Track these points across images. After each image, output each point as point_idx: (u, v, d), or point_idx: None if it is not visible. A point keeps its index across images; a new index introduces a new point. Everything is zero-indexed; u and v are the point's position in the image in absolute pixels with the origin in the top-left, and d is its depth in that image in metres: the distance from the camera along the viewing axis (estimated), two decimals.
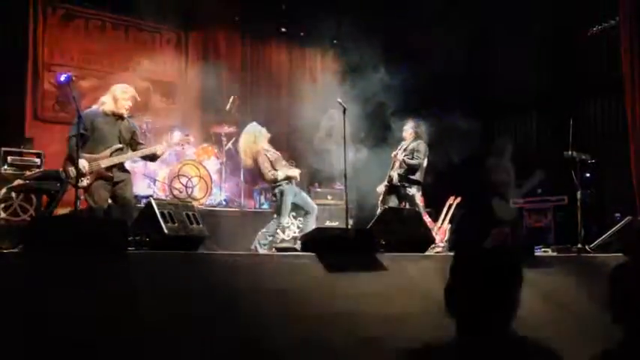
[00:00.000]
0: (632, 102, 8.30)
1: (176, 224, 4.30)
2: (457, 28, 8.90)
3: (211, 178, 7.70)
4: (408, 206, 7.11)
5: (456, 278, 1.84)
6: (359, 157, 7.77)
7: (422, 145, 7.34)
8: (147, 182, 7.42)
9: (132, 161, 7.53)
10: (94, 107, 5.73)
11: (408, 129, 7.46)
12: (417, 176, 7.28)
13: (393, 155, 7.44)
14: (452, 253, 1.93)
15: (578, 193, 6.53)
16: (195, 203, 6.45)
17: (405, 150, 7.39)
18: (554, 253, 6.33)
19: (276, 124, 8.63)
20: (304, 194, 7.00)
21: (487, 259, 1.83)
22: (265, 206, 8.41)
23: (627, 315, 1.98)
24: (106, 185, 5.52)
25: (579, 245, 6.22)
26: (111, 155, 5.52)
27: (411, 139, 7.44)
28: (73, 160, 5.28)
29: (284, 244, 7.63)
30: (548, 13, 9.19)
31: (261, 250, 6.28)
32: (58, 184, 6.17)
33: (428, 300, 3.80)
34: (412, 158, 7.28)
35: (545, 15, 9.22)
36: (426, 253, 5.47)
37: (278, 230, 6.73)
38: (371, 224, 5.31)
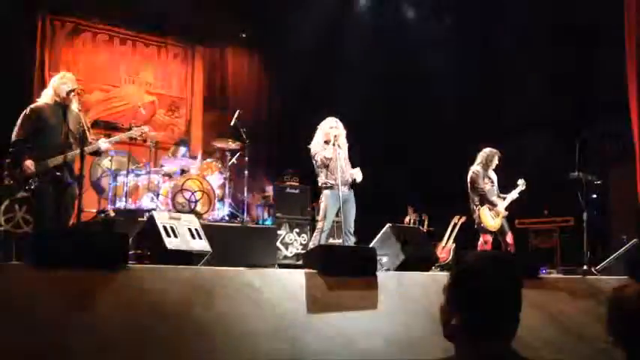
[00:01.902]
0: (638, 123, 8.26)
1: (178, 238, 4.26)
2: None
3: (214, 193, 7.65)
4: None
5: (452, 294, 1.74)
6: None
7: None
8: (150, 196, 7.38)
9: (135, 175, 7.51)
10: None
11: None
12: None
13: None
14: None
15: (585, 214, 6.47)
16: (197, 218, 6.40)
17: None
18: (560, 275, 6.26)
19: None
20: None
21: (483, 267, 1.71)
22: (268, 222, 8.35)
23: (628, 338, 1.95)
24: (55, 188, 5.01)
25: (585, 267, 6.16)
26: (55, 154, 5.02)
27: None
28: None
29: (286, 261, 7.57)
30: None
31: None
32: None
33: (431, 320, 3.74)
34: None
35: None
36: (430, 273, 5.41)
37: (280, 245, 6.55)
38: (374, 242, 5.25)
